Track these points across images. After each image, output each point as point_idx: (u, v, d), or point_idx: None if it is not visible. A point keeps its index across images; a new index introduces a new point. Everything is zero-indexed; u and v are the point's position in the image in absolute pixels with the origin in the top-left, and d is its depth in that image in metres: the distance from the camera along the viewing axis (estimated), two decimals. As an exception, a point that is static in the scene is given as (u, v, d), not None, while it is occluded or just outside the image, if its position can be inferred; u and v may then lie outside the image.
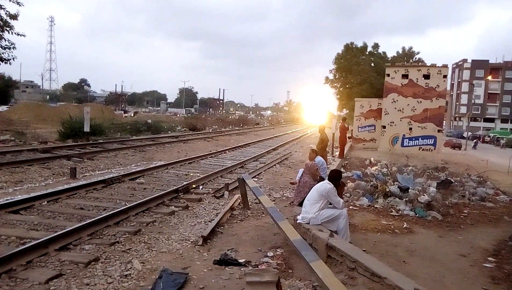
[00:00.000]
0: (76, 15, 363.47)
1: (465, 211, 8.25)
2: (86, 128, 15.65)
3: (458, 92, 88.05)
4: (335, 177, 5.66)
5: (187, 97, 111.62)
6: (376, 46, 46.02)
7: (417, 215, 7.49)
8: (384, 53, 45.83)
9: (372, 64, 42.92)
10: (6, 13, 15.15)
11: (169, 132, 26.97)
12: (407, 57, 44.17)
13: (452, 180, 10.70)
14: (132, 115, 49.73)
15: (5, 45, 15.39)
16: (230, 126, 41.13)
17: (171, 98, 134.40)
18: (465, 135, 45.00)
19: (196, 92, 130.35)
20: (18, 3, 15.22)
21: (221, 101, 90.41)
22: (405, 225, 6.76)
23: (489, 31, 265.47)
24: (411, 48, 46.08)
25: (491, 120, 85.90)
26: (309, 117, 57.18)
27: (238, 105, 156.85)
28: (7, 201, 6.48)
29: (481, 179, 12.15)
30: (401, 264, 5.03)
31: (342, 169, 12.32)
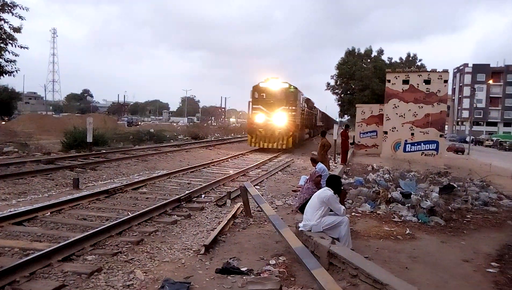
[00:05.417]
0: (83, 28, 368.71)
1: (468, 216, 8.22)
2: (89, 139, 15.77)
3: (460, 96, 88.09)
4: (333, 183, 5.66)
5: (189, 106, 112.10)
6: (381, 51, 46.10)
7: (420, 220, 7.47)
8: (390, 59, 45.80)
9: (376, 70, 42.83)
10: (9, 27, 15.42)
11: (172, 141, 27.08)
12: (409, 64, 44.25)
13: (455, 185, 10.67)
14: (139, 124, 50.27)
15: (7, 58, 15.64)
16: (232, 134, 41.22)
17: (173, 107, 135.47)
18: (467, 139, 44.87)
19: (198, 101, 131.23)
20: (20, 17, 15.48)
21: (223, 109, 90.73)
22: (407, 231, 6.75)
23: (486, 37, 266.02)
24: (415, 55, 46.21)
25: (494, 124, 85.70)
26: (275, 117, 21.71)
27: (240, 112, 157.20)
28: (11, 213, 6.52)
29: (484, 183, 12.11)
30: (403, 270, 5.02)
31: (344, 176, 12.32)
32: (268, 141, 21.25)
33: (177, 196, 8.41)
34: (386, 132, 20.89)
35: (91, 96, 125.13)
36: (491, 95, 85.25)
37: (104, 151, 16.82)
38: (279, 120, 21.15)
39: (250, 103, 22.20)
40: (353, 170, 14.68)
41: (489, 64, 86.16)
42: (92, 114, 48.19)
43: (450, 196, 9.66)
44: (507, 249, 6.11)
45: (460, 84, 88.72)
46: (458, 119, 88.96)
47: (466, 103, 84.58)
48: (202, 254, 5.37)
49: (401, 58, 46.53)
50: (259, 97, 21.96)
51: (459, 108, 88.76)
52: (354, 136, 23.99)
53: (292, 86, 21.87)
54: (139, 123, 56.51)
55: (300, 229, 5.64)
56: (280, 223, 5.79)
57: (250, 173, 13.47)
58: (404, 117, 20.47)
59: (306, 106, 27.64)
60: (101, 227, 5.85)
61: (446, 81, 20.33)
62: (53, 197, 8.49)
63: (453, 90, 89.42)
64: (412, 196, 8.65)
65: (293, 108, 21.66)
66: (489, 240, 6.59)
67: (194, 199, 8.79)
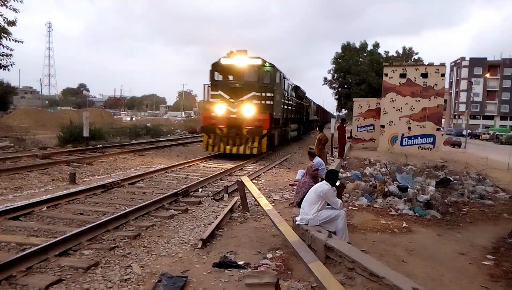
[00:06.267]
0: (78, 23, 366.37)
1: (464, 209, 8.26)
2: (85, 133, 15.69)
3: (457, 90, 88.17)
4: (331, 177, 5.66)
5: (187, 100, 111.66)
6: (377, 45, 45.96)
7: (416, 214, 7.51)
8: (386, 52, 45.61)
9: (372, 64, 42.69)
10: (4, 20, 15.26)
11: (169, 135, 27.02)
12: (406, 57, 44.15)
13: (451, 179, 10.71)
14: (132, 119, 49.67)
15: (3, 52, 15.51)
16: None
17: (170, 102, 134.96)
18: (464, 133, 44.99)
19: (195, 95, 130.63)
20: (15, 9, 15.32)
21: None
22: (404, 225, 6.78)
23: (483, 31, 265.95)
24: (411, 48, 46.10)
25: (491, 117, 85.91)
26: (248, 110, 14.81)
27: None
28: (7, 208, 6.49)
29: (480, 177, 12.16)
30: (400, 263, 5.05)
31: (341, 170, 12.35)
32: (231, 144, 14.91)
33: (174, 191, 8.40)
34: (383, 126, 20.91)
35: (87, 90, 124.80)
36: (488, 89, 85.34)
37: (100, 145, 16.77)
38: (248, 112, 14.73)
39: (208, 88, 15.62)
40: (350, 164, 14.70)
41: (486, 58, 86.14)
42: (88, 108, 47.96)
43: (446, 189, 9.70)
44: (502, 242, 6.14)
45: (457, 78, 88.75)
46: (455, 113, 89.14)
47: (463, 96, 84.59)
48: (199, 248, 5.38)
49: (397, 52, 46.42)
50: (222, 78, 15.72)
51: (456, 101, 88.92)
52: (351, 130, 24.02)
53: (267, 64, 15.46)
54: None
55: (297, 223, 5.65)
56: (277, 217, 5.80)
57: (247, 167, 13.47)
58: (401, 111, 20.49)
59: (293, 95, 22.19)
60: (98, 222, 5.84)
61: (443, 75, 20.33)
62: (49, 191, 8.46)
63: (450, 83, 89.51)
64: (408, 189, 8.68)
65: (270, 94, 15.29)
66: (485, 233, 6.63)
67: (191, 193, 8.79)
